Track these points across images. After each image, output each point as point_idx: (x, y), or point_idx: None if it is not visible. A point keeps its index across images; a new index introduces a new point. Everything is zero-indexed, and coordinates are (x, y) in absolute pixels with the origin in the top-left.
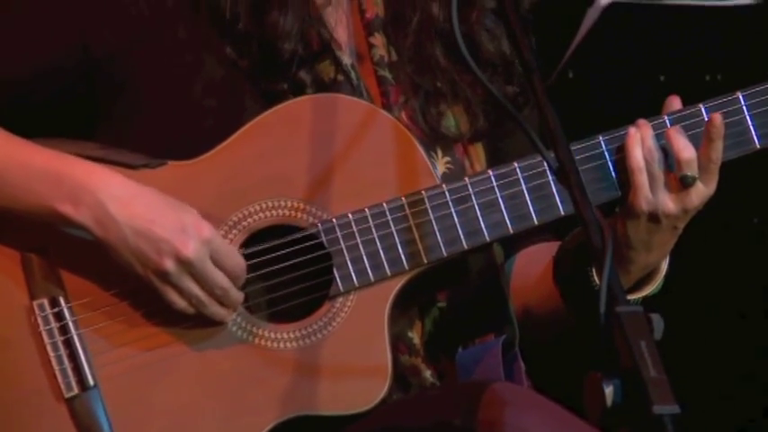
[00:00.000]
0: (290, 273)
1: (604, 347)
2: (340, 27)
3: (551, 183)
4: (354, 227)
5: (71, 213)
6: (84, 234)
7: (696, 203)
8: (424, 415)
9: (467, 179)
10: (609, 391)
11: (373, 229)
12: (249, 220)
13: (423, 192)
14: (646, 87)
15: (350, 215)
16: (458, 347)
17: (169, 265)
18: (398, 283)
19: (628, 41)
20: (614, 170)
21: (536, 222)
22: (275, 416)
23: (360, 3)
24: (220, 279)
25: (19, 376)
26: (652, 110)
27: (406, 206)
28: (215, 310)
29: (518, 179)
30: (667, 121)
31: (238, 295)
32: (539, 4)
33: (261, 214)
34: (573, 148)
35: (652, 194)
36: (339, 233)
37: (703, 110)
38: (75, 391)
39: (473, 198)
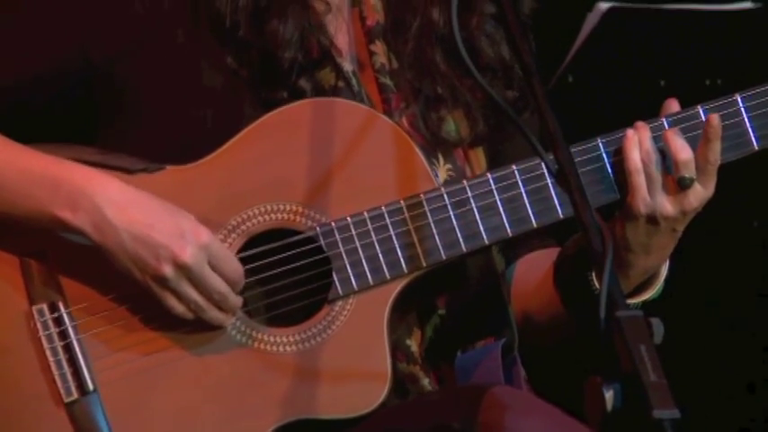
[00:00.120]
0: (289, 277)
1: (604, 352)
2: (340, 34)
3: (550, 186)
4: (353, 230)
5: (69, 218)
6: (83, 239)
7: (694, 205)
8: (423, 418)
9: (465, 182)
10: (609, 395)
11: (372, 233)
12: (248, 223)
13: (421, 195)
14: (646, 92)
15: (348, 219)
16: (457, 352)
17: (167, 270)
18: (398, 287)
19: (628, 46)
20: (612, 173)
21: (535, 225)
22: (275, 420)
23: (360, 10)
24: (218, 284)
25: (18, 381)
26: (652, 114)
27: (404, 209)
28: (214, 314)
29: (516, 182)
30: (665, 124)
31: (237, 300)
32: (538, 8)
33: (260, 218)
34: (571, 150)
35: (650, 196)
36: (338, 237)
37: (702, 112)
38: (75, 395)
39: (472, 201)
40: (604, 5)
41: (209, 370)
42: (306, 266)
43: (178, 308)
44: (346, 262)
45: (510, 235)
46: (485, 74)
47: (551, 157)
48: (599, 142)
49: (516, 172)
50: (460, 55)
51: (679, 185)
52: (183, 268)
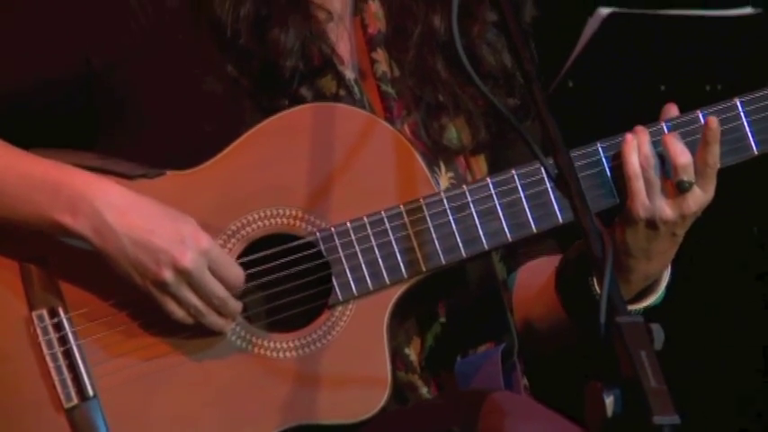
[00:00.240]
0: (288, 282)
1: (605, 357)
2: (342, 42)
3: (550, 190)
4: (353, 235)
5: (70, 223)
6: (83, 244)
7: (694, 209)
8: (423, 424)
9: (465, 187)
10: (609, 401)
11: (372, 238)
12: (248, 229)
13: (421, 200)
14: (646, 97)
15: (348, 224)
16: (457, 357)
17: (167, 275)
18: (397, 292)
19: (628, 51)
20: (612, 177)
21: (534, 230)
22: (275, 425)
23: (362, 18)
24: (218, 289)
25: (18, 387)
26: (652, 119)
27: (404, 214)
28: (213, 319)
29: (516, 187)
30: (665, 128)
31: (237, 305)
32: (540, 15)
33: (259, 223)
34: (571, 155)
35: (649, 201)
36: (337, 242)
37: (701, 116)
38: (75, 401)
39: (471, 206)
40: (605, 11)
41: (209, 376)
42: (306, 272)
43: (178, 313)
44: (346, 267)
45: (510, 240)
46: (486, 82)
47: (551, 161)
48: (598, 147)
49: (516, 177)
50: (462, 62)
51: (678, 189)
52: (183, 273)
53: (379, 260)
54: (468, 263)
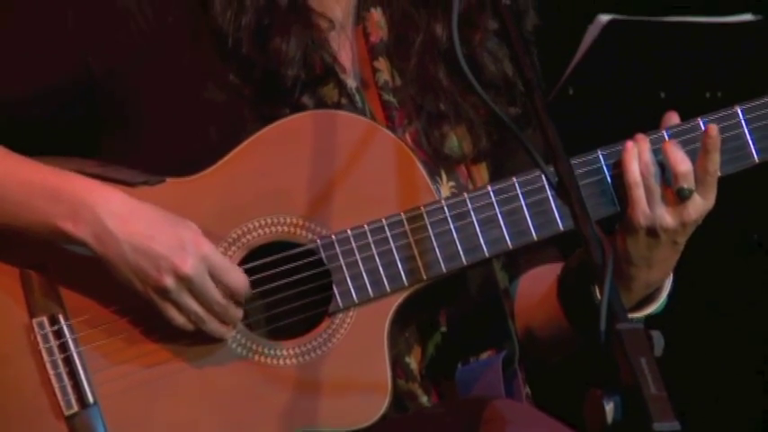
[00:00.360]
0: (289, 289)
1: (605, 364)
2: (344, 51)
3: (550, 198)
4: (353, 243)
5: (71, 230)
6: (84, 251)
7: (694, 217)
8: (424, 431)
9: (465, 195)
10: (609, 407)
11: (372, 246)
12: (248, 236)
13: (422, 208)
14: (646, 104)
15: (349, 231)
16: (458, 365)
17: (168, 281)
18: (398, 300)
19: (628, 58)
20: (612, 185)
21: (535, 238)
22: None
23: (364, 27)
24: (219, 296)
25: (19, 394)
26: (652, 126)
27: (405, 222)
28: (214, 326)
29: (517, 195)
30: (665, 136)
31: (237, 312)
32: (541, 23)
33: (260, 231)
34: (571, 162)
35: (649, 209)
36: (338, 249)
37: (702, 124)
38: (75, 408)
39: (472, 214)
40: (605, 18)
41: (210, 383)
42: (306, 279)
43: (179, 319)
44: (347, 275)
45: (510, 248)
46: (487, 90)
47: (552, 169)
48: (599, 154)
49: (517, 184)
50: (463, 71)
51: (678, 197)
52: (183, 279)
53: (380, 268)
54: (468, 270)
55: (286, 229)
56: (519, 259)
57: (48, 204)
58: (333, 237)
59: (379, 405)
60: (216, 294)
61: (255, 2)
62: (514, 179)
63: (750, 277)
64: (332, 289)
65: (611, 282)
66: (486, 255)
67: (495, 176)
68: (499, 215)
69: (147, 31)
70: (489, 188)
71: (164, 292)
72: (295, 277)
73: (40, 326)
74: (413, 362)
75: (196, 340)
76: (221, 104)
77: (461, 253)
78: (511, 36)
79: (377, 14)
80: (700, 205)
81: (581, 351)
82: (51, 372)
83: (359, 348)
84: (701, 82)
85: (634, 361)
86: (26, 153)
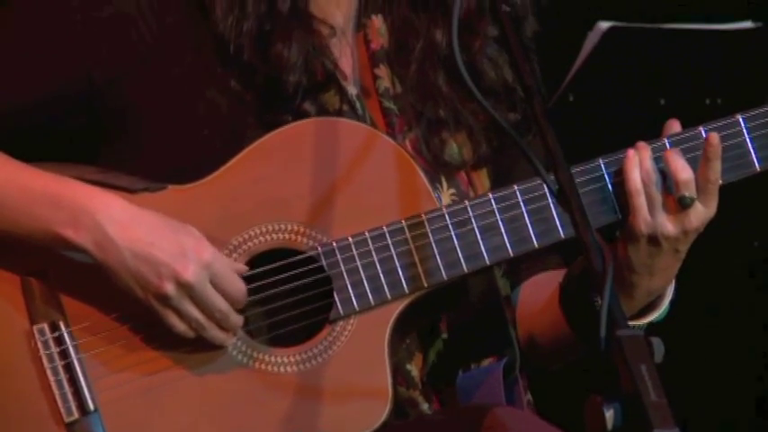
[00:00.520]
0: (290, 296)
1: (605, 371)
2: (345, 58)
3: (551, 206)
4: (354, 250)
5: (71, 236)
6: (85, 258)
7: (695, 225)
8: None
9: (466, 202)
10: (609, 414)
11: (373, 253)
12: (249, 243)
13: (422, 215)
14: (646, 111)
15: (350, 238)
16: (459, 372)
17: (169, 288)
18: (399, 307)
19: (628, 65)
20: (614, 193)
21: (536, 245)
22: None
23: (365, 34)
24: (220, 302)
25: (19, 401)
26: (652, 133)
27: (405, 229)
28: (215, 333)
29: (518, 202)
30: (667, 144)
31: (238, 319)
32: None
33: (261, 238)
34: (573, 171)
35: (651, 217)
36: (339, 256)
37: (703, 132)
38: (76, 415)
39: (473, 221)
40: (605, 25)
41: (211, 390)
42: (307, 286)
43: (179, 326)
44: (347, 282)
45: (511, 255)
46: (487, 97)
47: (552, 177)
48: (600, 162)
49: (518, 192)
50: (463, 78)
51: (680, 205)
52: (184, 286)
53: (381, 275)
54: (469, 278)
55: (287, 236)
56: (521, 266)
57: (48, 211)
58: (334, 244)
59: (380, 412)
60: (217, 301)
61: (257, 8)
62: (515, 186)
63: (751, 285)
64: (333, 296)
65: (611, 288)
66: (487, 262)
67: (497, 183)
68: (500, 222)
69: (148, 39)
70: (490, 195)
71: (164, 299)
72: (296, 284)
73: (41, 332)
74: (414, 369)
75: (197, 347)
76: (223, 111)
77: (462, 260)
78: (510, 42)
79: (378, 21)
80: (701, 213)
81: (583, 358)
82: (52, 378)
83: (360, 356)
84: (700, 89)
85: (634, 368)
86: (26, 160)
